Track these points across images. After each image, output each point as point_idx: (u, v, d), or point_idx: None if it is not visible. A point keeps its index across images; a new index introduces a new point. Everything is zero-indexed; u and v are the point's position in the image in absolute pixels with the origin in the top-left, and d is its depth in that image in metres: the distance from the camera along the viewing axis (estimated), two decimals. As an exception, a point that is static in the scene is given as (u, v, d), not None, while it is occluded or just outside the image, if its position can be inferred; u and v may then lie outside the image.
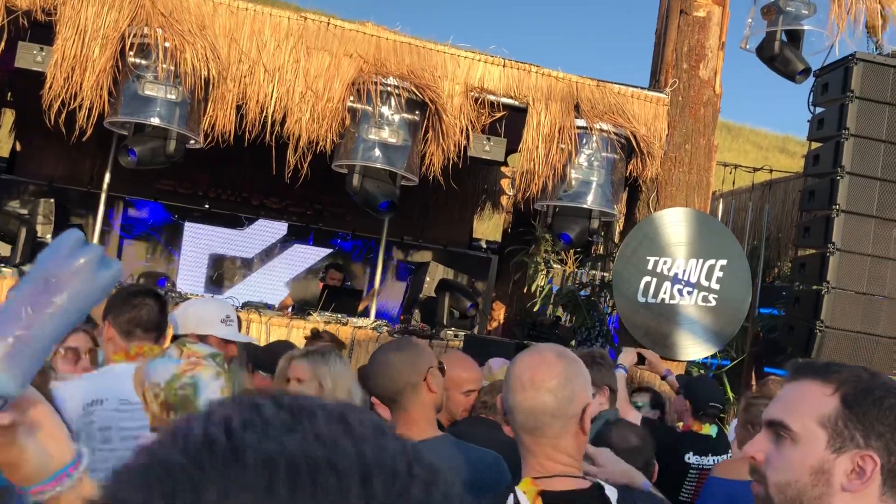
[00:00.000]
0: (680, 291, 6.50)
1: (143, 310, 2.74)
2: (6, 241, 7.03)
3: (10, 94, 8.57)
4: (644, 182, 6.82)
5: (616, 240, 7.71)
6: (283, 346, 3.68)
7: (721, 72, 6.92)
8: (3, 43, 5.72)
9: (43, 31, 5.84)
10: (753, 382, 8.69)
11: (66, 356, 3.16)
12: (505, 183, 10.24)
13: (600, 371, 3.38)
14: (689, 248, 6.53)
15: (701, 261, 6.51)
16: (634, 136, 6.56)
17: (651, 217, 6.60)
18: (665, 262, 6.46)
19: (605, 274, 8.58)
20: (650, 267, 6.45)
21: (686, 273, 6.51)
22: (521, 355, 1.84)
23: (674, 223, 6.54)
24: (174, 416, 2.04)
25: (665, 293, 6.46)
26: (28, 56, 5.75)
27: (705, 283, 6.51)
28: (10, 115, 9.30)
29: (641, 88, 6.90)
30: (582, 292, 7.64)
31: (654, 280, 6.44)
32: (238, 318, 3.57)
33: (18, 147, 9.23)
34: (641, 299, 6.43)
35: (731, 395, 7.43)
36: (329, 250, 9.80)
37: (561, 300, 7.72)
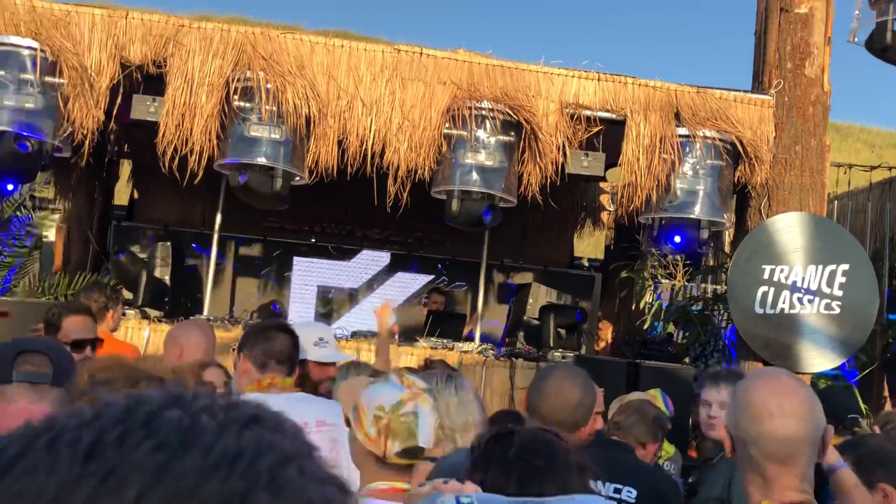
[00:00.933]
0: (800, 300, 6.20)
1: (276, 343, 2.85)
2: (128, 285, 7.40)
3: (126, 145, 9.07)
4: (753, 188, 6.57)
5: (727, 250, 7.44)
6: None
7: (829, 68, 6.62)
8: (119, 97, 6.07)
9: (154, 83, 6.16)
10: (886, 394, 8.18)
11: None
12: (604, 198, 10.07)
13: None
14: (807, 255, 6.23)
15: (821, 267, 6.20)
16: (740, 141, 6.34)
17: (764, 224, 6.34)
18: (782, 270, 6.18)
19: (717, 286, 8.28)
20: (766, 276, 6.18)
21: (805, 280, 6.20)
22: (754, 382, 1.79)
23: (789, 229, 6.26)
24: (390, 442, 2.03)
25: (784, 303, 6.17)
26: (142, 107, 6.07)
27: (827, 290, 6.18)
28: (127, 166, 9.84)
29: (744, 92, 6.67)
30: (694, 306, 7.39)
31: (772, 289, 6.17)
32: (333, 338, 3.62)
33: (136, 195, 9.75)
34: (759, 310, 6.17)
35: (863, 407, 7.00)
36: (431, 276, 9.87)
37: (672, 316, 7.49)
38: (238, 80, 6.07)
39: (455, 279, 9.72)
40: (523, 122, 6.30)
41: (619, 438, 2.83)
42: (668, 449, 4.22)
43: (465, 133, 6.24)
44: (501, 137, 6.31)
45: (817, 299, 6.16)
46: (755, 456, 1.69)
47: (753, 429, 1.69)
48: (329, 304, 9.79)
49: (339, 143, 6.25)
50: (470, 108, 6.22)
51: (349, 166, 6.21)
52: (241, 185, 6.14)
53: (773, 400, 1.69)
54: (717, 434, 3.50)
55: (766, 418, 1.67)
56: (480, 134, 6.30)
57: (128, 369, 1.22)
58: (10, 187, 6.61)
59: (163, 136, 6.00)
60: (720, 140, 6.33)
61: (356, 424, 2.09)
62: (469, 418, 2.73)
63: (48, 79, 5.93)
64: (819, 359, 6.18)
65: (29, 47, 5.90)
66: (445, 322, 8.05)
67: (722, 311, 7.23)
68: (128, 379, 1.27)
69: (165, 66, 6.07)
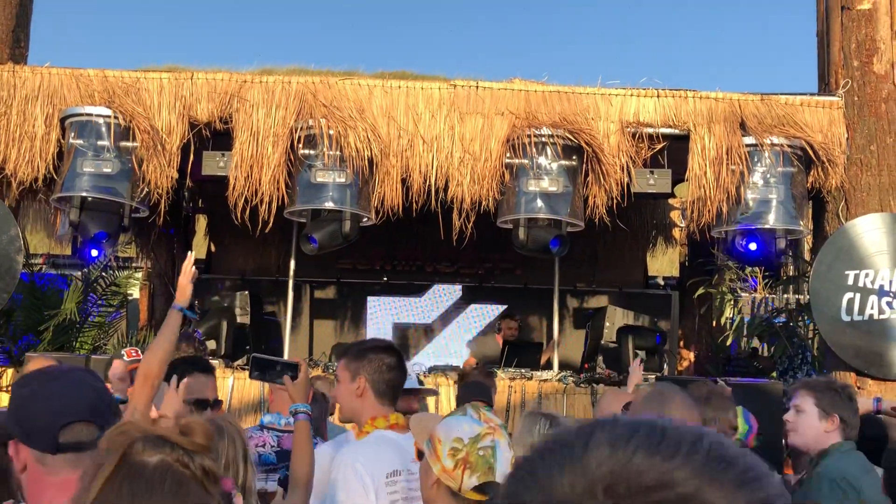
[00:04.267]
0: (889, 304, 5.94)
1: (401, 374, 2.89)
2: (212, 336, 7.60)
3: (200, 200, 9.39)
4: (829, 192, 6.36)
5: (807, 257, 7.20)
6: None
7: (899, 62, 6.39)
8: (191, 155, 6.30)
9: (222, 139, 6.38)
10: None
11: None
12: (675, 215, 9.89)
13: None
14: (893, 256, 5.98)
15: (909, 268, 5.93)
16: (811, 146, 6.16)
17: (843, 228, 6.13)
18: (867, 275, 5.94)
19: (800, 296, 8.00)
20: (851, 282, 5.96)
21: (893, 284, 5.95)
22: None
23: (870, 231, 6.03)
24: (468, 475, 2.01)
25: (872, 308, 5.93)
26: (212, 163, 6.29)
27: (918, 292, 5.91)
28: (203, 220, 10.18)
29: (810, 95, 6.50)
30: (777, 319, 7.15)
31: (858, 295, 5.93)
32: (414, 369, 3.65)
33: (213, 248, 10.06)
34: (846, 318, 5.94)
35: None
36: (505, 306, 9.84)
37: (755, 330, 7.27)
38: (301, 128, 6.24)
39: (528, 307, 9.66)
40: (584, 146, 6.27)
41: None
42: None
43: (527, 161, 6.25)
44: (563, 162, 6.29)
45: (908, 302, 5.89)
46: None
47: None
48: (405, 341, 9.86)
49: (403, 181, 6.33)
50: (529, 136, 6.23)
51: (414, 203, 6.28)
52: (315, 247, 6.35)
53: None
54: (792, 441, 3.37)
55: None
56: (542, 160, 6.29)
57: (141, 431, 1.24)
58: (94, 253, 6.89)
59: (233, 188, 6.19)
60: (789, 146, 6.17)
61: (432, 456, 2.07)
62: None
63: (123, 143, 6.21)
64: (916, 365, 5.89)
65: (103, 115, 6.20)
66: (522, 351, 7.99)
67: (806, 322, 6.98)
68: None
69: (231, 121, 6.29)
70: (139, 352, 3.96)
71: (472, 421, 2.09)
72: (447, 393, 6.48)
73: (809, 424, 3.25)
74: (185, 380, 2.74)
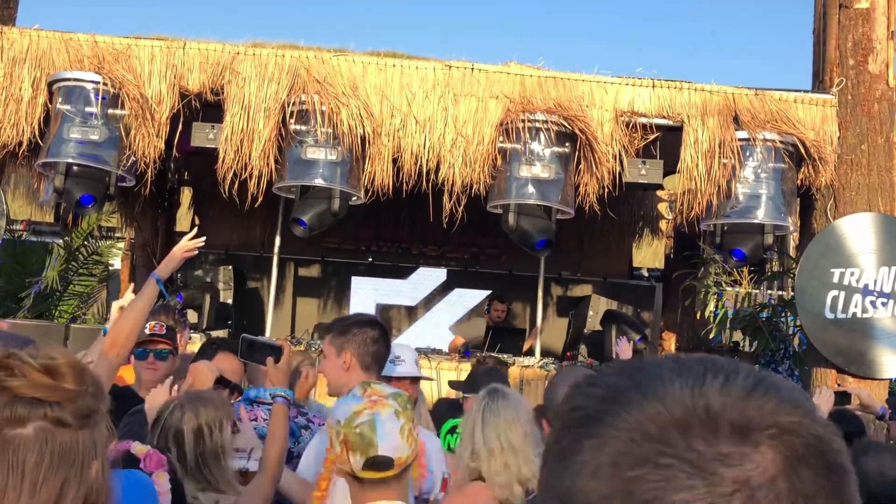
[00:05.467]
0: (873, 303, 5.99)
1: (385, 346, 2.91)
2: (194, 309, 7.54)
3: (186, 173, 9.28)
4: (818, 190, 6.39)
5: (793, 254, 7.24)
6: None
7: (893, 63, 6.41)
8: (180, 126, 6.21)
9: (212, 111, 6.29)
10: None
11: None
12: (662, 206, 9.91)
13: None
14: (879, 256, 6.03)
15: (894, 268, 5.98)
16: (802, 143, 6.17)
17: (831, 226, 6.16)
18: (852, 273, 5.98)
19: (784, 292, 8.05)
20: (836, 280, 6.00)
21: (878, 283, 6.00)
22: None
23: (857, 230, 6.07)
24: (351, 455, 1.94)
25: (856, 307, 5.97)
26: (202, 135, 6.21)
27: (901, 292, 5.96)
28: (188, 193, 10.06)
29: (805, 92, 6.51)
30: (761, 314, 7.19)
31: (842, 293, 5.98)
32: (415, 355, 3.62)
33: (197, 221, 9.96)
34: (830, 315, 5.98)
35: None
36: (488, 291, 9.83)
37: (738, 324, 7.30)
38: (293, 103, 6.16)
39: (513, 294, 9.66)
40: (578, 133, 6.24)
41: None
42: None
43: (520, 146, 6.22)
44: (556, 149, 6.27)
45: (891, 302, 5.95)
46: None
47: None
48: (388, 323, 9.83)
49: (394, 161, 6.28)
50: (523, 121, 6.20)
51: (405, 184, 6.24)
52: (305, 229, 6.29)
53: None
54: None
55: None
56: (535, 146, 6.26)
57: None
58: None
59: (222, 161, 6.11)
60: (781, 142, 6.18)
61: (329, 446, 2.03)
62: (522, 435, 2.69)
63: (111, 111, 6.11)
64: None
65: (92, 81, 6.09)
66: (506, 337, 7.99)
67: (790, 318, 7.02)
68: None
69: (223, 93, 6.20)
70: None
71: (353, 400, 2.03)
72: (427, 374, 6.47)
73: None
74: (217, 355, 2.76)
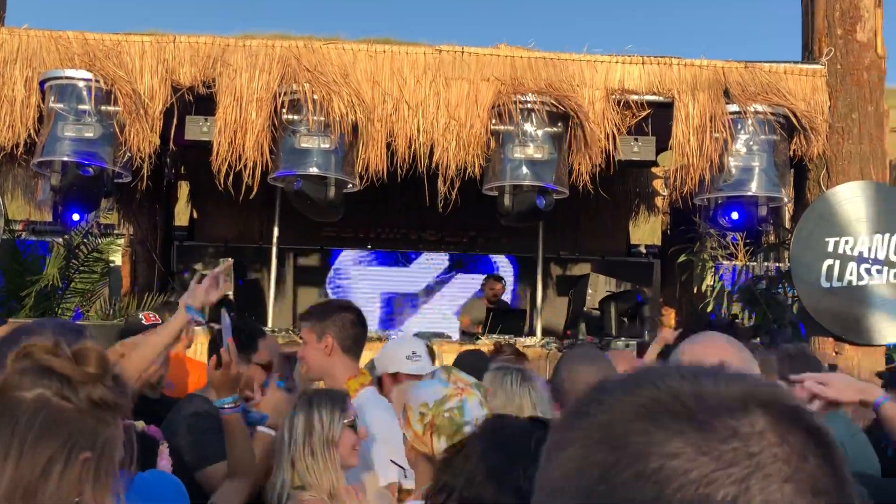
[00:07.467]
0: (868, 271, 6.03)
1: (364, 330, 2.99)
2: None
3: (182, 167, 9.31)
4: (811, 160, 6.42)
5: (787, 225, 7.27)
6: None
7: (882, 31, 6.43)
8: (174, 120, 6.24)
9: (205, 104, 6.31)
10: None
11: None
12: (657, 183, 9.94)
13: None
14: (872, 224, 6.06)
15: (888, 235, 6.02)
16: (794, 114, 6.20)
17: (824, 195, 6.19)
18: (847, 242, 6.02)
19: (780, 263, 8.10)
20: (830, 249, 6.04)
21: (872, 250, 6.04)
22: (690, 345, 1.81)
23: (851, 199, 6.10)
24: (436, 438, 1.99)
25: (851, 275, 6.02)
26: (195, 128, 6.23)
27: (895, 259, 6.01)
28: (185, 187, 10.10)
29: (794, 63, 6.53)
30: (758, 286, 7.24)
31: (837, 262, 6.02)
32: (431, 352, 3.67)
33: (195, 214, 10.00)
34: (825, 284, 6.02)
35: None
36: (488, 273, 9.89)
37: (736, 297, 7.35)
38: (285, 93, 6.18)
39: (511, 274, 9.71)
40: (570, 112, 6.27)
41: None
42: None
43: (512, 128, 6.24)
44: (549, 129, 6.29)
45: (886, 269, 5.99)
46: None
47: None
48: (391, 310, 9.89)
49: (388, 146, 6.31)
50: (515, 103, 6.22)
51: (399, 169, 6.27)
52: (297, 190, 6.23)
53: (712, 360, 1.67)
54: None
55: None
56: (527, 127, 6.28)
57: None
58: (76, 217, 6.83)
59: (216, 154, 6.14)
60: (773, 114, 6.20)
61: (405, 424, 2.08)
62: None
63: (104, 107, 6.13)
64: (893, 329, 6.00)
65: (84, 78, 6.11)
66: (507, 318, 8.04)
67: (787, 289, 7.07)
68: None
69: (214, 85, 6.22)
70: (157, 317, 3.94)
71: (439, 383, 2.09)
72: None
73: None
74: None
